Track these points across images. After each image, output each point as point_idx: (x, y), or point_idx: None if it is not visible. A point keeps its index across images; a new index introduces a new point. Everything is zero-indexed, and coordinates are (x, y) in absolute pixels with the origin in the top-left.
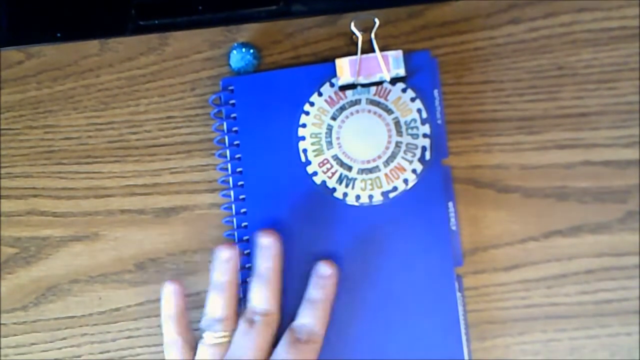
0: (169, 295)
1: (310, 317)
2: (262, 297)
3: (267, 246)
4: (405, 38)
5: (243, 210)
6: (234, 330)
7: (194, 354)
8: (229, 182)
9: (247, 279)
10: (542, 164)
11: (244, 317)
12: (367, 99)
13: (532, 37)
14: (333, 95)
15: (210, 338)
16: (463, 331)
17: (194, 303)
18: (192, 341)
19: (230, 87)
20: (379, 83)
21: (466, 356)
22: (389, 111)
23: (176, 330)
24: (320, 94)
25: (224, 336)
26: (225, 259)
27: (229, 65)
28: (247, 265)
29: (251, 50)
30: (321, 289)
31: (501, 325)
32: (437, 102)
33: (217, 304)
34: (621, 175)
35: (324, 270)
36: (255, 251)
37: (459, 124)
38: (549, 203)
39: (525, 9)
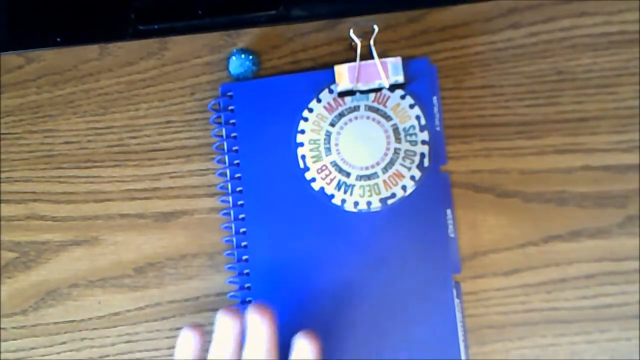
0: (188, 342)
1: None
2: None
3: (258, 328)
4: (405, 43)
5: (242, 216)
6: None
7: None
8: (227, 188)
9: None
10: (541, 169)
11: None
12: (365, 105)
13: (532, 42)
14: (332, 102)
15: None
16: (461, 337)
17: (193, 308)
18: None
19: (229, 93)
20: (377, 90)
21: None
22: (388, 118)
23: None
24: (319, 100)
25: None
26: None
27: (228, 71)
28: (245, 271)
29: (250, 56)
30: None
31: (501, 330)
32: (435, 109)
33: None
34: (621, 180)
35: (306, 347)
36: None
37: (458, 128)
38: (548, 208)
39: (525, 13)
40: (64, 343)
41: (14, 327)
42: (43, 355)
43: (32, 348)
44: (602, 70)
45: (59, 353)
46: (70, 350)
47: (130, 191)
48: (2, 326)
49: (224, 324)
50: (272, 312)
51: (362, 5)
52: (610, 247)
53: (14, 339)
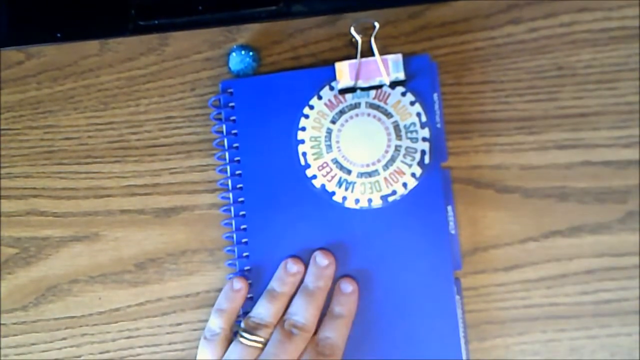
0: (234, 292)
1: (333, 332)
2: (306, 313)
3: (323, 266)
4: (405, 38)
5: (242, 212)
6: (269, 338)
7: (227, 349)
8: (228, 185)
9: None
10: (542, 164)
11: (282, 326)
12: (366, 102)
13: (532, 38)
14: (333, 99)
15: (248, 339)
16: (462, 334)
17: (194, 303)
18: (230, 338)
19: (230, 90)
20: (378, 87)
21: (464, 357)
22: (389, 115)
23: (223, 323)
24: (319, 98)
25: (261, 342)
26: (291, 273)
27: (228, 67)
28: (246, 268)
29: (250, 53)
30: (343, 305)
31: (501, 325)
32: (436, 106)
33: (266, 310)
34: (621, 176)
35: (346, 288)
36: (310, 268)
37: (458, 124)
38: (548, 203)
39: (525, 9)
40: (64, 339)
41: (14, 323)
42: (43, 351)
43: (33, 344)
44: (602, 66)
45: (59, 349)
46: (71, 346)
47: (131, 187)
48: (2, 322)
49: (291, 268)
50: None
51: (362, 1)
52: (610, 243)
53: (15, 335)
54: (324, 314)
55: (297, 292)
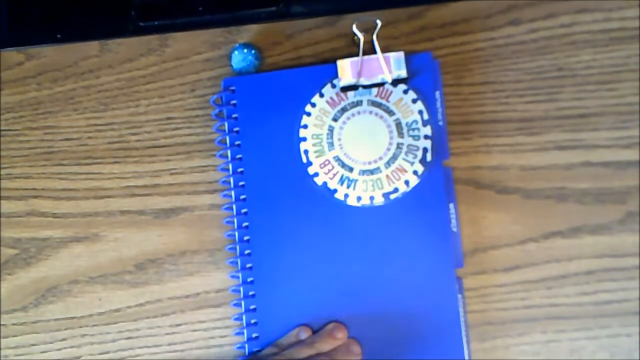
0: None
1: None
2: None
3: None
4: (405, 39)
5: (244, 210)
6: None
7: None
8: (230, 183)
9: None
10: (542, 165)
11: None
12: (368, 100)
13: (532, 38)
14: (334, 97)
15: None
16: (463, 332)
17: (194, 304)
18: None
19: (232, 88)
20: (380, 84)
21: (466, 357)
22: (391, 112)
23: None
24: (321, 95)
25: None
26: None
27: (231, 65)
28: (247, 265)
29: (253, 51)
30: (327, 345)
31: (501, 326)
32: (438, 104)
33: None
34: (621, 176)
35: (335, 332)
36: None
37: (459, 125)
38: (548, 204)
39: (525, 10)
40: (64, 339)
41: (14, 324)
42: (43, 352)
43: (33, 344)
44: (602, 67)
45: (59, 349)
46: (71, 347)
47: (131, 188)
48: (2, 323)
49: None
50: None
51: (362, 2)
52: (610, 244)
53: (14, 336)
54: None
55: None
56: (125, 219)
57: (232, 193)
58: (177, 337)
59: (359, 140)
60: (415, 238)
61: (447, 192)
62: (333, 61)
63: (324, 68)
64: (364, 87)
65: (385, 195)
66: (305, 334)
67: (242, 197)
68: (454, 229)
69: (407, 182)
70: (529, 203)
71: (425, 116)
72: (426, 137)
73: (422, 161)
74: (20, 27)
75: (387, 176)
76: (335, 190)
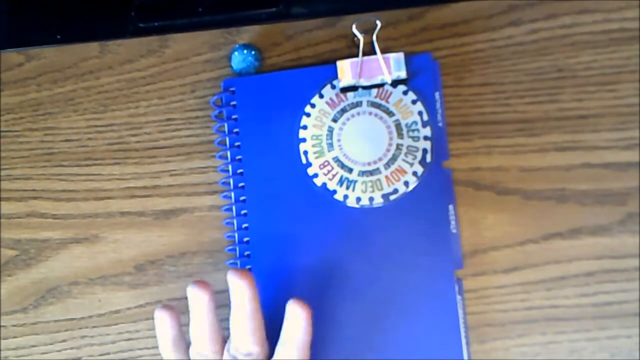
0: (162, 322)
1: (289, 356)
2: (244, 340)
3: (239, 290)
4: (405, 40)
5: (244, 211)
6: None
7: None
8: (229, 184)
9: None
10: (541, 166)
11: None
12: (368, 101)
13: (532, 39)
14: (334, 97)
15: None
16: (463, 334)
17: None
18: None
19: (232, 89)
20: (380, 85)
21: (466, 358)
22: (390, 113)
23: (175, 354)
24: (321, 96)
25: None
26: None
27: (231, 66)
28: (247, 267)
29: (253, 52)
30: (296, 328)
31: (501, 327)
32: (438, 105)
33: (203, 342)
34: (621, 178)
35: (297, 311)
36: (230, 291)
37: (459, 126)
38: (548, 205)
39: (526, 10)
40: (64, 341)
41: (14, 325)
42: (43, 353)
43: (33, 346)
44: (603, 68)
45: (59, 351)
46: (71, 348)
47: (131, 189)
48: (2, 324)
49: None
50: (252, 276)
51: (362, 3)
52: (610, 245)
53: (14, 337)
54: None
55: (230, 319)
56: (125, 220)
57: (232, 194)
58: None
59: (359, 141)
60: (414, 239)
61: (447, 193)
62: (333, 62)
63: (323, 69)
64: (364, 88)
65: (385, 197)
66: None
67: (242, 198)
68: (454, 230)
69: (406, 183)
70: (529, 204)
71: (425, 117)
72: (426, 138)
73: (422, 162)
74: (20, 28)
75: (387, 177)
76: (334, 191)
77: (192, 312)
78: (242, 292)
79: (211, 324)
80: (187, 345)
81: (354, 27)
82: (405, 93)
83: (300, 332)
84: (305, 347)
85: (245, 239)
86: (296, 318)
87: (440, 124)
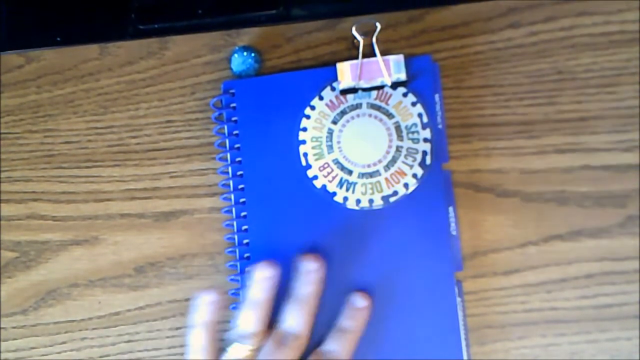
0: (207, 304)
1: (339, 345)
2: (297, 320)
3: (311, 270)
4: (405, 42)
5: (243, 213)
6: (260, 347)
7: None
8: (229, 186)
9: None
10: (541, 169)
11: (273, 336)
12: (368, 103)
13: (532, 41)
14: (334, 99)
15: (237, 351)
16: (463, 336)
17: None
18: (217, 352)
19: (232, 90)
20: (380, 87)
21: (465, 358)
22: (390, 115)
23: (206, 338)
24: (321, 98)
25: (251, 351)
26: (264, 278)
27: (231, 68)
28: (247, 269)
29: (253, 54)
30: (353, 320)
31: (501, 329)
32: (438, 107)
33: (250, 319)
34: (621, 180)
35: (359, 302)
36: (296, 273)
37: (458, 128)
38: (548, 207)
39: (525, 13)
40: (64, 343)
41: (14, 327)
42: (43, 355)
43: (32, 348)
44: (602, 70)
45: (59, 353)
46: (71, 350)
47: (131, 191)
48: (2, 326)
49: (263, 273)
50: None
51: (361, 5)
52: (610, 247)
53: (14, 339)
54: (321, 321)
55: (288, 299)
56: (125, 222)
57: (232, 196)
58: (177, 341)
59: (358, 143)
60: (414, 241)
61: (447, 195)
62: (333, 64)
63: (323, 71)
64: (364, 90)
65: (385, 199)
66: (268, 269)
67: (242, 200)
68: (454, 232)
69: (406, 185)
70: (529, 206)
71: (425, 119)
72: (425, 140)
73: (422, 164)
74: (20, 30)
75: (387, 179)
76: (334, 193)
77: (254, 288)
78: (313, 273)
79: (269, 302)
80: (217, 333)
81: (353, 29)
82: (405, 95)
83: (359, 322)
84: (358, 339)
85: (245, 241)
86: (358, 309)
87: (440, 126)
